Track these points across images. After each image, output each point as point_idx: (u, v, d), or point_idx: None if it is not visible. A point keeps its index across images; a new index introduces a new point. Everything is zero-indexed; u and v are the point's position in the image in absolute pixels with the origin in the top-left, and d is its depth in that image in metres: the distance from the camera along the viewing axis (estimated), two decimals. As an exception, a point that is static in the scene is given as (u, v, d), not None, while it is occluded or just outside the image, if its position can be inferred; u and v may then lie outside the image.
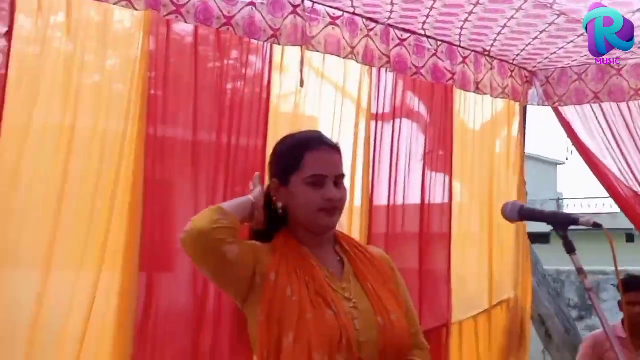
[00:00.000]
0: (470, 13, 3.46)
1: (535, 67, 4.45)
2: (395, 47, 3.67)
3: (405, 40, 3.72)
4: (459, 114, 4.10)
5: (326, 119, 3.42)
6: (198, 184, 2.89)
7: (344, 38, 3.40)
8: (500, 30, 3.72)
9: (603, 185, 4.51)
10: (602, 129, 4.48)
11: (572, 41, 3.82)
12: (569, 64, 4.32)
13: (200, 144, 2.92)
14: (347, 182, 2.00)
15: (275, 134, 2.92)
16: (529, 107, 4.62)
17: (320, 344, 1.76)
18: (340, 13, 3.39)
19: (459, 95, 4.08)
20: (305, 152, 1.91)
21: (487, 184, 4.29)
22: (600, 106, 4.42)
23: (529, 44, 3.93)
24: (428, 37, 3.82)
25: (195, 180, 2.89)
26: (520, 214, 2.01)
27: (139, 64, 2.74)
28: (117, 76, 2.75)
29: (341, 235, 2.03)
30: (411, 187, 3.79)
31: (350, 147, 3.49)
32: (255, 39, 3.07)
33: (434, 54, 3.87)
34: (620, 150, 4.43)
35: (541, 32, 3.71)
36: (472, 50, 4.05)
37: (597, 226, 1.87)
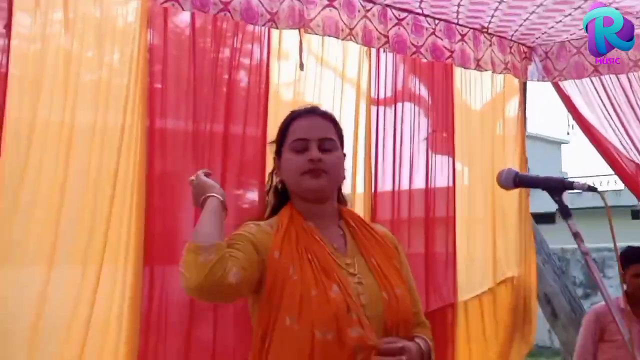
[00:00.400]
0: (466, -10, 3.43)
1: (534, 42, 4.40)
2: (393, 26, 3.64)
3: (403, 19, 3.69)
4: (460, 94, 4.07)
5: (326, 106, 3.38)
6: (200, 175, 2.88)
7: (341, 19, 3.36)
8: (497, 6, 3.68)
9: (605, 160, 4.48)
10: (602, 102, 4.44)
11: (569, 14, 3.78)
12: (567, 37, 4.28)
13: (201, 134, 2.91)
14: (348, 174, 1.99)
15: (276, 122, 2.85)
16: (528, 84, 4.59)
17: (324, 322, 1.75)
18: (336, -6, 3.35)
19: (459, 74, 4.05)
20: (291, 122, 1.96)
21: (489, 162, 4.27)
22: (600, 79, 4.39)
23: (527, 19, 3.88)
24: (425, 15, 3.79)
25: (197, 171, 2.87)
26: (514, 180, 2.02)
27: (138, 58, 2.73)
28: (116, 70, 2.74)
29: (346, 211, 2.04)
30: (415, 171, 3.77)
31: (352, 133, 3.47)
32: (252, 24, 3.04)
33: (433, 33, 3.84)
34: (621, 123, 4.40)
35: (538, 6, 3.67)
36: (470, 28, 4.01)
37: (592, 189, 1.88)
